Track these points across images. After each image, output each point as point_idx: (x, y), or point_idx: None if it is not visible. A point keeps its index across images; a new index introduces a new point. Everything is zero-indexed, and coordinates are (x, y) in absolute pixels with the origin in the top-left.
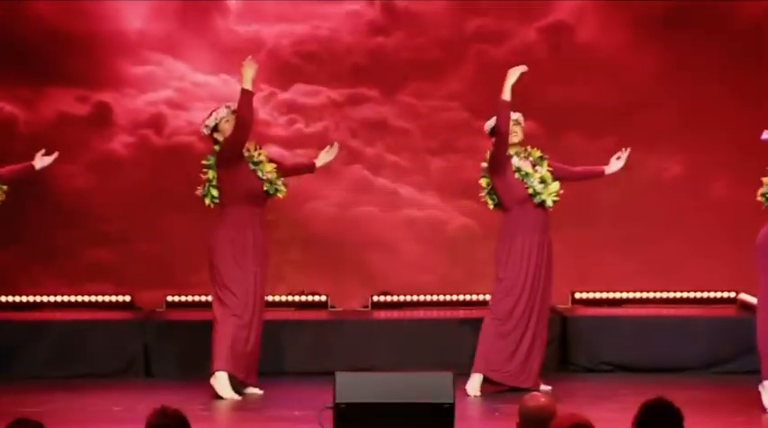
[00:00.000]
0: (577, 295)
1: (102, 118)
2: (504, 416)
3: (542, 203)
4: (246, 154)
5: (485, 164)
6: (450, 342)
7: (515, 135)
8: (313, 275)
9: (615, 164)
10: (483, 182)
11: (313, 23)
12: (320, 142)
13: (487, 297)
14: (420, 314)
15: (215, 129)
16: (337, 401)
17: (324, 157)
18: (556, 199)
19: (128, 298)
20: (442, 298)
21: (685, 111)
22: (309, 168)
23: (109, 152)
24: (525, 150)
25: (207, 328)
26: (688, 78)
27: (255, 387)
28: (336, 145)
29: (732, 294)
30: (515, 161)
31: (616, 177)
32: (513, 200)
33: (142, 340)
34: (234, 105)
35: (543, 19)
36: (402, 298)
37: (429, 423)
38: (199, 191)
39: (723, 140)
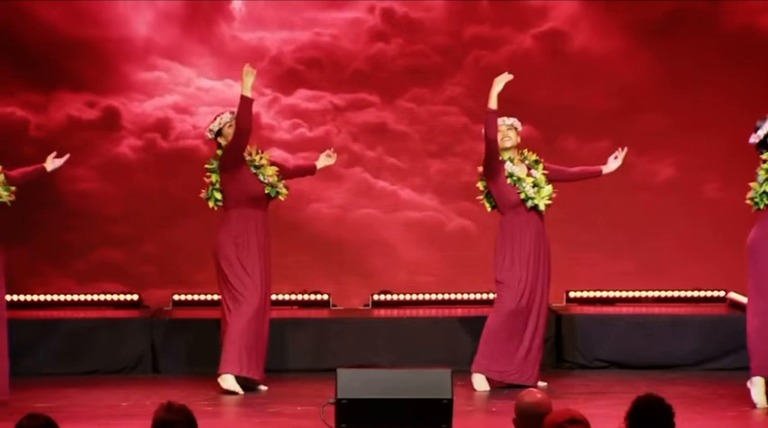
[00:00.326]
0: (572, 294)
1: (111, 122)
2: (501, 412)
3: (535, 207)
4: (248, 158)
5: (481, 169)
6: (449, 339)
7: (509, 139)
8: (316, 275)
9: (613, 164)
10: (480, 185)
11: (315, 31)
12: (322, 146)
13: (485, 296)
14: (419, 312)
15: (219, 133)
16: (339, 397)
17: (324, 161)
18: (548, 202)
19: (135, 297)
20: (440, 296)
21: (677, 114)
22: (310, 170)
23: (117, 155)
24: (521, 154)
25: (213, 326)
26: (679, 82)
27: (262, 384)
28: (335, 153)
29: (722, 293)
30: (508, 166)
31: (609, 180)
32: (506, 204)
33: (149, 337)
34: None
35: (539, 26)
36: (402, 297)
37: (428, 418)
38: (203, 194)
39: (714, 143)
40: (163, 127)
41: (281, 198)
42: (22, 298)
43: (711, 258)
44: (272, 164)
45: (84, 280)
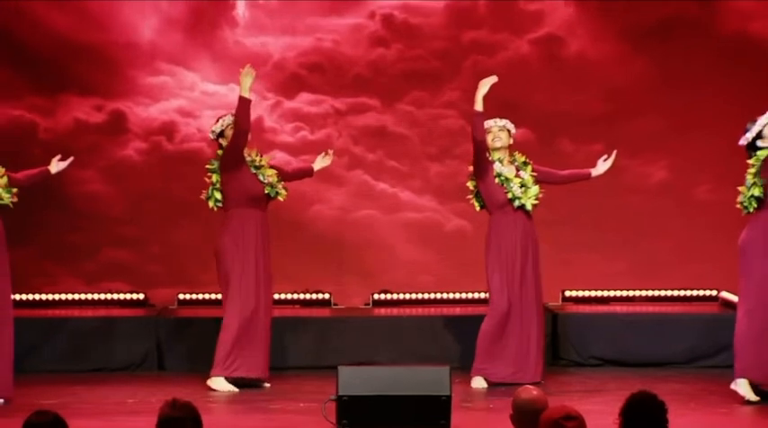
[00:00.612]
0: (567, 293)
1: (117, 125)
2: (498, 408)
3: (522, 207)
4: (248, 159)
5: (471, 169)
6: (447, 337)
7: (499, 140)
8: (317, 275)
9: (602, 166)
10: (470, 185)
11: (317, 36)
12: (324, 149)
13: (482, 295)
14: (418, 311)
15: (221, 134)
16: (340, 394)
17: (320, 162)
18: (535, 202)
19: (141, 296)
20: (438, 296)
21: (670, 117)
22: (308, 172)
23: (123, 158)
24: (512, 155)
25: (217, 325)
26: (673, 86)
27: (266, 381)
28: (332, 153)
29: (714, 292)
30: (497, 166)
31: (605, 182)
32: (494, 203)
33: (155, 336)
34: None
35: (535, 31)
36: (401, 296)
37: (427, 414)
38: (203, 195)
39: (707, 146)
40: (168, 130)
41: (280, 198)
42: (30, 297)
43: (704, 258)
44: (271, 167)
45: (91, 280)
